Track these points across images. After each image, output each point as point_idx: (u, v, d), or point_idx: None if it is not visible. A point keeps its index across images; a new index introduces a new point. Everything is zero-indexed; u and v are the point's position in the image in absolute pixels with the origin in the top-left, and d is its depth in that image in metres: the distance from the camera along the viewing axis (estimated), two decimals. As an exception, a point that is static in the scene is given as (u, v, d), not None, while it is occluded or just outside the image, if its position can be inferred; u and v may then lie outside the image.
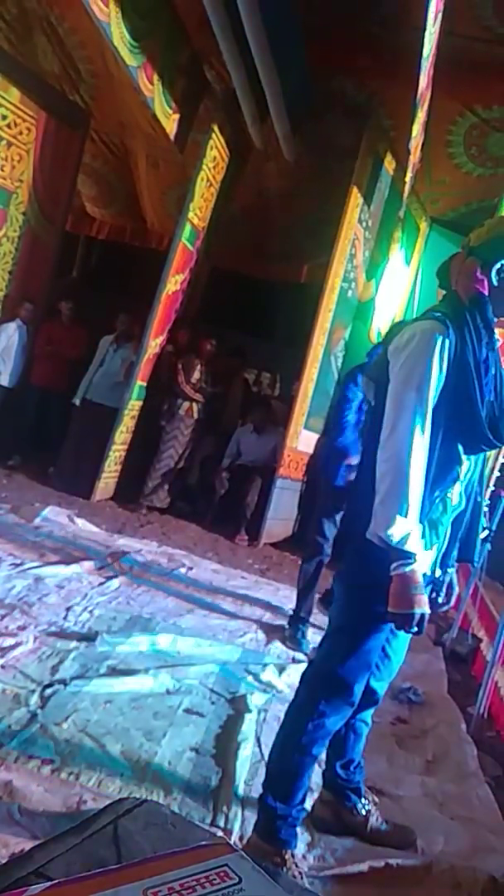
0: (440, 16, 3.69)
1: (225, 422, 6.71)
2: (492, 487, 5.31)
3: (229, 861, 0.68)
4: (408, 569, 1.72)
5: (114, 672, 2.86)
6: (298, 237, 7.22)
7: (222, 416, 6.72)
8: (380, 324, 6.67)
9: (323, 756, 2.15)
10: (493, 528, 4.06)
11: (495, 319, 1.88)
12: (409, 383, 1.75)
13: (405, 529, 1.71)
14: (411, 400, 1.74)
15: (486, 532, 4.11)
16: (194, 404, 6.13)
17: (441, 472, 1.84)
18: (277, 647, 3.63)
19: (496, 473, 5.37)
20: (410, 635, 2.13)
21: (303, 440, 6.13)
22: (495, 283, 1.88)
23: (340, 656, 1.92)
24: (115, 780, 2.16)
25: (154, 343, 6.04)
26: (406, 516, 1.71)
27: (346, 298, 6.16)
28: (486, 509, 5.12)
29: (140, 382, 5.99)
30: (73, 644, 3.01)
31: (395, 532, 1.70)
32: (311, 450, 6.30)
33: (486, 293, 1.87)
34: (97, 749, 2.29)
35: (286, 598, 4.56)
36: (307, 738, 1.92)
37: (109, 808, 0.86)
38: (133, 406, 6.02)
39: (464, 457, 1.90)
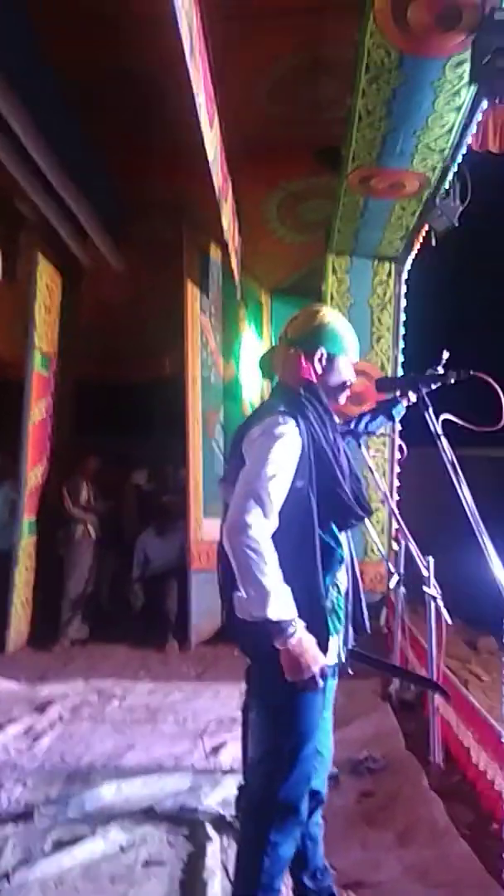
0: (216, 120, 3.94)
1: (125, 532, 6.58)
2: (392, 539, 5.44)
3: None
4: (293, 639, 1.72)
5: (59, 845, 2.66)
6: (152, 333, 7.33)
7: (121, 528, 6.59)
8: (249, 399, 6.83)
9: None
10: (402, 571, 4.13)
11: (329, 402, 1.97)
12: (258, 474, 1.80)
13: (277, 600, 1.72)
14: (256, 488, 1.79)
15: (397, 578, 4.18)
16: (89, 525, 6.00)
17: (326, 556, 1.88)
18: (227, 755, 3.50)
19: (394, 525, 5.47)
20: (331, 728, 2.11)
21: (207, 529, 6.09)
22: (319, 370, 1.98)
23: (277, 780, 1.85)
24: None
25: (33, 474, 5.91)
26: (272, 589, 1.71)
27: (209, 385, 6.28)
28: (391, 556, 5.23)
29: (28, 518, 5.82)
30: (10, 828, 2.79)
31: (271, 607, 1.71)
32: (218, 536, 6.27)
33: (315, 380, 1.97)
34: (56, 945, 2.11)
35: (229, 696, 4.43)
36: (266, 875, 1.83)
37: None
38: (27, 543, 5.82)
39: (340, 536, 1.95)
